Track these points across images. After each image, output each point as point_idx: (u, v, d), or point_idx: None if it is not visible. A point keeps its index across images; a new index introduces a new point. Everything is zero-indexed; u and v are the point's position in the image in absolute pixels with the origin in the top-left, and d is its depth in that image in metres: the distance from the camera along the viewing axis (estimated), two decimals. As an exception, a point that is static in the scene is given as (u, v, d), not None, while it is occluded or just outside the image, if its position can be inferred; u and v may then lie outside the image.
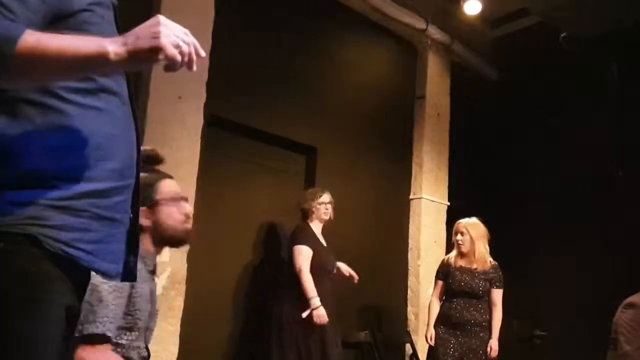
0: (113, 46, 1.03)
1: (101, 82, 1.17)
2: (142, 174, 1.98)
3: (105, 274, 1.18)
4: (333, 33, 4.93)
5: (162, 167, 3.42)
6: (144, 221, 1.95)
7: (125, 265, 1.24)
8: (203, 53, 1.14)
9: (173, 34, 1.06)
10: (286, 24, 4.52)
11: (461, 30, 5.69)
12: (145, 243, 1.97)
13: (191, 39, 1.11)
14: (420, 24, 5.32)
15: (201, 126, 3.67)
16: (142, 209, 1.96)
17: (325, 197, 4.03)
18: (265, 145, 4.42)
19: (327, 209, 4.01)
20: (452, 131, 5.65)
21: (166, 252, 3.27)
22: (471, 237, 4.13)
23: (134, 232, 1.28)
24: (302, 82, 4.59)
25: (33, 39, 1.00)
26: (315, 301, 3.67)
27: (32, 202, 1.05)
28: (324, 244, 4.00)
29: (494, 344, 3.99)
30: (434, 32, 5.45)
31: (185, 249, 3.47)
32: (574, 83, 5.47)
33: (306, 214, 4.03)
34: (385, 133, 5.23)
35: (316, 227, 4.03)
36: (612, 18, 4.79)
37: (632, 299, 3.45)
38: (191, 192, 3.54)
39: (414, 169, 5.41)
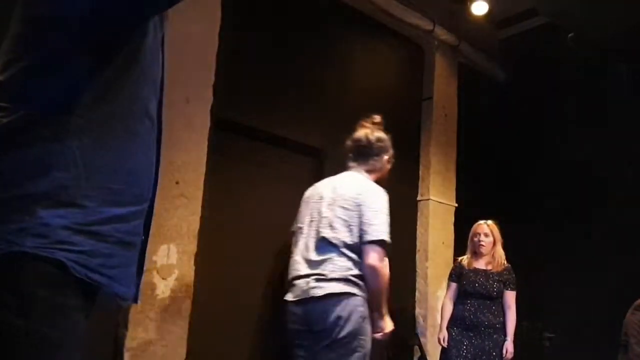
0: None
1: (146, 103, 1.16)
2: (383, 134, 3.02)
3: (122, 298, 1.17)
4: (339, 34, 4.92)
5: (168, 170, 3.42)
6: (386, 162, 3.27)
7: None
8: None
9: None
10: (292, 25, 4.52)
11: (468, 31, 5.67)
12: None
13: None
14: (427, 25, 5.31)
15: (208, 129, 3.67)
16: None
17: None
18: (272, 148, 4.41)
19: None
20: (459, 132, 5.63)
21: (174, 254, 3.28)
22: (494, 239, 4.13)
23: (142, 254, 1.27)
24: (308, 83, 4.58)
25: None
26: None
27: (63, 226, 1.04)
28: None
29: (509, 346, 3.97)
30: (441, 33, 5.44)
31: (192, 251, 3.47)
32: (582, 83, 5.45)
33: None
34: (392, 134, 5.19)
35: None
36: (621, 18, 4.76)
37: (642, 300, 3.43)
38: (198, 195, 3.54)
39: (422, 170, 5.39)
